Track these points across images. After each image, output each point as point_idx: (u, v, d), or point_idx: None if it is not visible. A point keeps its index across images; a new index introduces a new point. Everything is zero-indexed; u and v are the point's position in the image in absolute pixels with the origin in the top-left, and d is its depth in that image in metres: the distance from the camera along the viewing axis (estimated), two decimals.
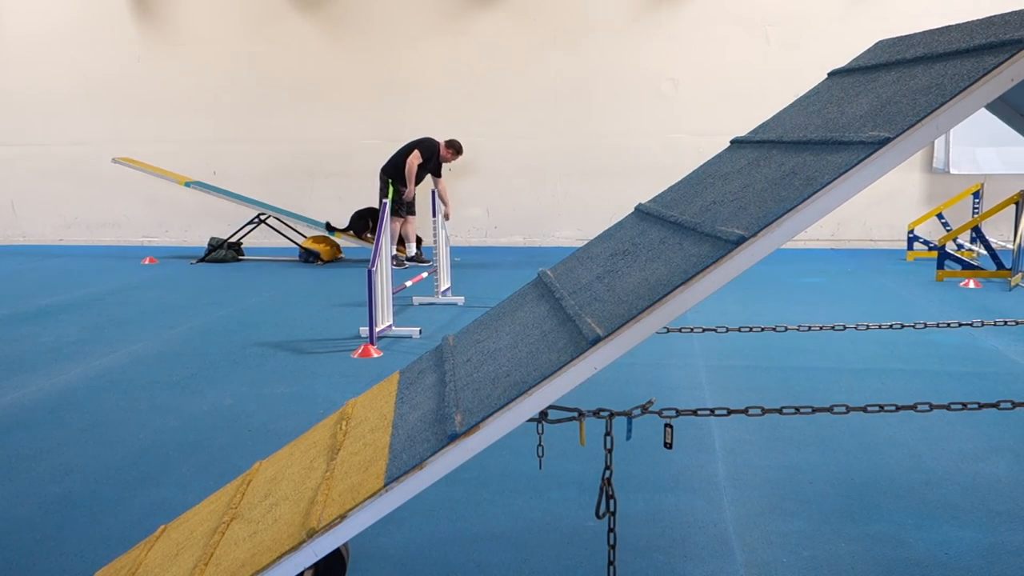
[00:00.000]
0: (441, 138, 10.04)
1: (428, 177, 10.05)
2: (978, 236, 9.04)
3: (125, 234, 12.33)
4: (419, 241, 10.43)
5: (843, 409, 2.49)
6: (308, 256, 10.28)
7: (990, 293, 7.78)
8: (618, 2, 11.13)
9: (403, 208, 9.88)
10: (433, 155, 9.90)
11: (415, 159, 9.75)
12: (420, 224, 10.41)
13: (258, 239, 11.48)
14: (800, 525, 3.18)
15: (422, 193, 10.11)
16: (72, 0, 11.96)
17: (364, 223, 10.48)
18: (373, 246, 6.16)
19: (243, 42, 11.71)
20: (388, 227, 6.32)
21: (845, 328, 3.78)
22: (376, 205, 10.23)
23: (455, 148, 9.93)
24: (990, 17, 2.54)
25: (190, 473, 3.77)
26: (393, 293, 6.47)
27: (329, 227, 10.61)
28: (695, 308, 2.29)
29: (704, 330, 3.64)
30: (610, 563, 2.41)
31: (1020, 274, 8.08)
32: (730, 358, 5.60)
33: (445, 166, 10.20)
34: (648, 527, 3.18)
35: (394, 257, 9.21)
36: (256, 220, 10.67)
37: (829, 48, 10.29)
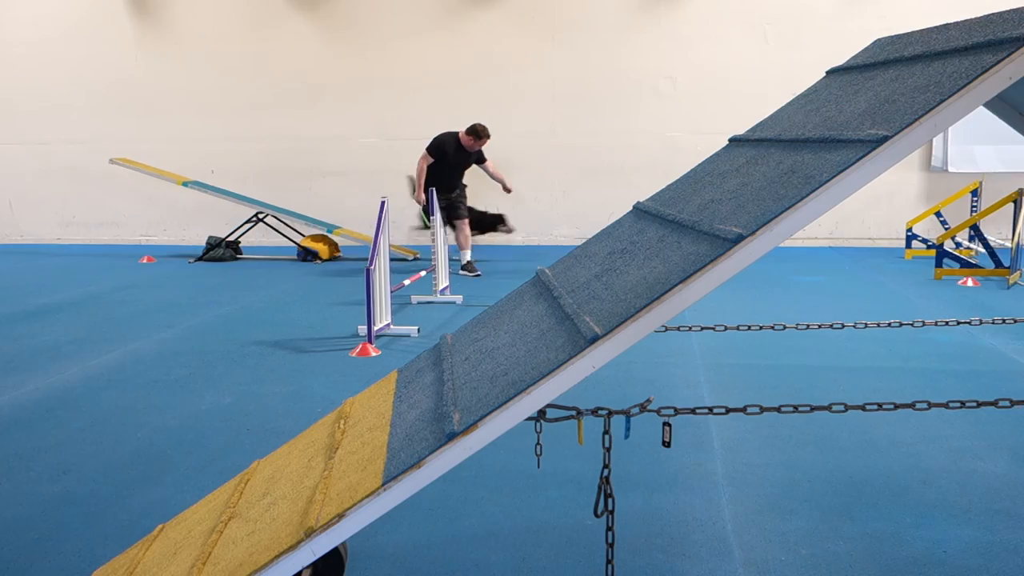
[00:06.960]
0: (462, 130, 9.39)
1: (473, 167, 9.54)
2: (976, 234, 9.05)
3: (123, 233, 12.33)
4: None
5: (841, 407, 2.49)
6: (306, 255, 10.28)
7: (988, 291, 7.79)
8: (616, 1, 11.13)
9: (462, 210, 9.38)
10: (448, 152, 9.21)
11: (423, 161, 9.32)
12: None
13: (256, 238, 11.48)
14: (798, 523, 3.18)
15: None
16: None
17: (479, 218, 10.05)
18: (371, 245, 6.15)
19: (241, 41, 11.70)
20: (387, 228, 6.32)
21: (843, 326, 3.79)
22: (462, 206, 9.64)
23: (475, 134, 9.10)
24: (988, 15, 2.54)
25: (188, 472, 3.77)
26: (391, 292, 6.47)
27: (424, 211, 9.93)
28: (693, 306, 2.29)
29: (702, 328, 3.65)
30: (608, 562, 2.41)
31: (1018, 272, 8.09)
32: (728, 356, 5.60)
33: (484, 151, 9.48)
34: (646, 526, 3.17)
35: (467, 264, 9.08)
36: (254, 219, 10.66)
37: (827, 46, 10.30)
